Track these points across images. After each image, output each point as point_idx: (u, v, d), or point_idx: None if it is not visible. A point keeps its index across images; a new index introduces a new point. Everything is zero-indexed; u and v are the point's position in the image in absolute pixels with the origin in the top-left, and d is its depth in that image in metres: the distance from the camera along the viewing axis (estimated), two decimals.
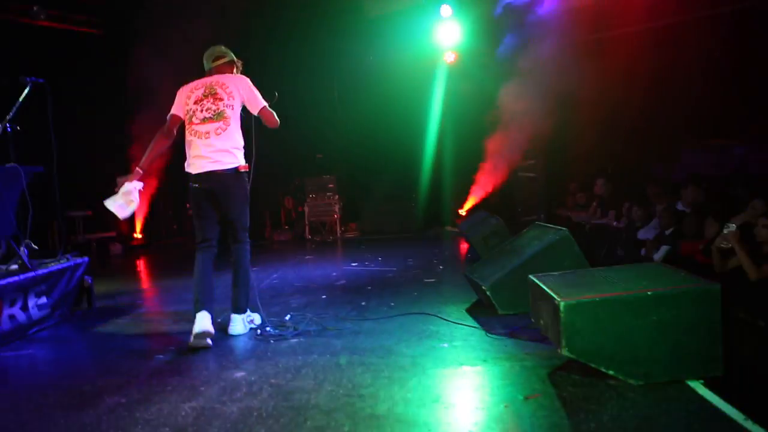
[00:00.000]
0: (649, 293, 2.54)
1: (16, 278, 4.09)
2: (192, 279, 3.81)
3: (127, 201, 3.66)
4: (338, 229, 9.76)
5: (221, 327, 3.89)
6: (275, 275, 6.21)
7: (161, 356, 3.46)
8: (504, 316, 3.86)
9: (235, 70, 4.03)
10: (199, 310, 3.61)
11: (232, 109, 3.76)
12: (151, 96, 8.98)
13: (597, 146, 8.37)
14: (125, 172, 3.88)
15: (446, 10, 9.04)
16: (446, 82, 9.67)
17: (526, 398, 2.51)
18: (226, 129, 3.72)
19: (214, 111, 3.73)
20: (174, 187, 10.16)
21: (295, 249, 8.59)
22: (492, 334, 3.49)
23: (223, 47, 4.08)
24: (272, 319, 4.10)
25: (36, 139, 4.87)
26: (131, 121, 9.17)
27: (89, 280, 4.89)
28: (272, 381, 2.91)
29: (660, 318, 2.52)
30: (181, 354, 3.48)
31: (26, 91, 4.60)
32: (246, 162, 3.83)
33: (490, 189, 9.35)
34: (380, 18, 9.52)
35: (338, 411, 2.50)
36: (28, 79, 4.52)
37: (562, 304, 2.54)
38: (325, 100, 10.16)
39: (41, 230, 5.68)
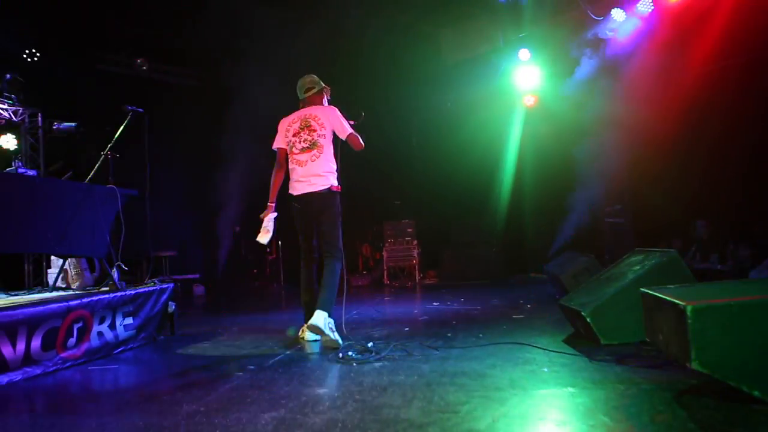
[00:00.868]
0: None
1: (106, 296, 4.16)
2: (300, 289, 4.42)
3: (264, 231, 4.35)
4: (417, 275, 9.53)
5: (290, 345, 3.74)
6: (354, 312, 6.05)
7: (241, 374, 3.33)
8: (607, 345, 3.47)
9: (324, 98, 4.52)
10: (312, 311, 4.01)
11: (324, 138, 4.26)
12: (235, 150, 9.44)
13: (691, 188, 7.81)
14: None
15: (525, 53, 8.97)
16: (525, 126, 9.49)
17: (653, 418, 2.15)
18: (320, 156, 4.23)
19: (310, 141, 4.26)
20: (253, 235, 10.42)
21: (373, 292, 8.41)
22: (597, 360, 3.12)
23: (312, 78, 4.54)
24: (354, 344, 3.92)
25: (135, 172, 5.17)
26: (218, 170, 9.60)
27: (173, 306, 4.92)
28: (357, 397, 2.69)
29: None
30: (261, 372, 3.34)
31: (127, 120, 4.88)
32: (339, 184, 4.27)
33: (573, 234, 8.88)
34: (459, 64, 9.60)
35: (433, 425, 2.24)
36: (129, 108, 4.79)
37: (689, 308, 2.20)
38: (404, 146, 10.21)
39: (132, 265, 5.84)
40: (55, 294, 4.34)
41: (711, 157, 7.53)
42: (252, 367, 3.50)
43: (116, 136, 4.96)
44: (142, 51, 9.23)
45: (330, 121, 4.27)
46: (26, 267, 6.33)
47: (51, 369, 3.61)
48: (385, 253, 9.63)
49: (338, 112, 4.32)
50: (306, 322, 4.19)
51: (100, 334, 4.07)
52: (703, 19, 7.08)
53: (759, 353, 2.16)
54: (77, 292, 4.50)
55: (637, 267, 3.80)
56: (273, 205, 4.40)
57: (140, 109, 4.98)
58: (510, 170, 9.78)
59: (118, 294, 4.27)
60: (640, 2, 7.26)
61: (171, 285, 4.97)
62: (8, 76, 6.75)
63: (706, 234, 7.16)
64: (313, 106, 4.39)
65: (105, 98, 7.66)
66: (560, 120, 8.89)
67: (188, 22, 7.82)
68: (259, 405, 2.64)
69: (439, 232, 9.95)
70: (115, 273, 4.53)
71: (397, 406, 2.51)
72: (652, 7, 7.24)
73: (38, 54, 7.83)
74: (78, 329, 3.87)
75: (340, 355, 3.64)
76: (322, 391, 2.86)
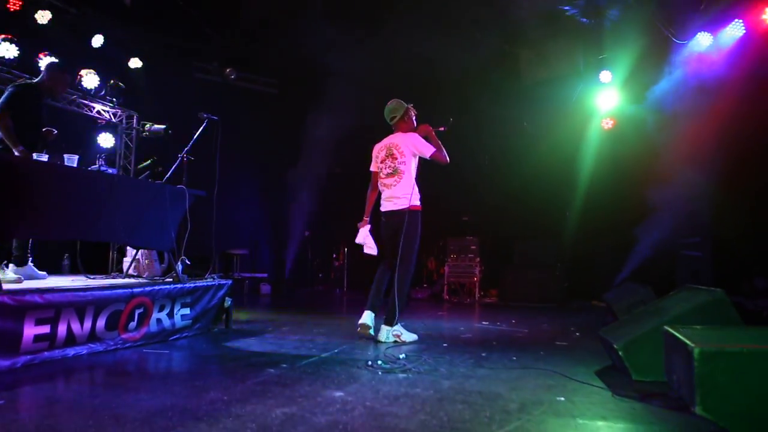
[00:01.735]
0: None
1: (167, 287, 4.54)
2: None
3: (365, 245, 5.03)
4: (477, 292, 9.48)
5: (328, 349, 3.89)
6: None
7: (272, 370, 3.54)
8: (639, 382, 3.37)
9: (410, 118, 5.07)
10: (366, 309, 4.84)
11: (404, 164, 4.89)
12: (311, 158, 9.85)
13: None
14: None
15: (606, 75, 8.74)
16: (601, 149, 9.21)
17: None
18: (400, 180, 4.89)
19: (392, 168, 4.94)
20: (321, 240, 10.80)
21: (430, 306, 8.47)
22: (619, 395, 3.05)
23: (394, 104, 5.10)
24: (387, 355, 4.05)
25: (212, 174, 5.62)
26: (292, 177, 10.07)
27: (230, 301, 5.25)
28: (367, 404, 2.81)
29: None
30: (290, 371, 3.53)
31: (203, 126, 5.29)
32: (419, 204, 4.86)
33: (643, 264, 8.48)
34: (538, 84, 9.49)
35: None
36: (204, 115, 5.21)
37: (696, 350, 2.14)
38: (476, 163, 10.20)
39: (200, 260, 6.30)
40: (124, 281, 4.78)
41: None
42: (285, 365, 3.71)
43: (192, 141, 5.40)
44: (231, 61, 9.88)
45: (410, 148, 4.90)
46: (111, 254, 6.98)
47: (112, 347, 4.01)
48: (446, 269, 9.66)
49: (418, 137, 4.92)
50: (363, 312, 4.88)
51: (158, 320, 4.45)
52: None
53: (767, 404, 2.06)
54: (143, 280, 4.93)
55: (683, 303, 3.65)
56: (367, 219, 5.09)
57: (215, 117, 5.38)
58: (582, 193, 9.51)
59: (178, 286, 4.65)
60: (730, 25, 6.88)
61: (228, 281, 5.31)
62: (111, 81, 7.49)
63: None
64: (397, 134, 5.03)
65: (195, 103, 8.32)
66: (638, 144, 8.56)
67: (272, 35, 8.30)
68: (277, 400, 2.83)
69: (504, 250, 9.83)
70: (179, 266, 4.92)
71: (401, 416, 2.60)
72: (744, 31, 6.84)
73: (141, 62, 8.62)
74: (139, 314, 4.27)
75: (369, 363, 3.78)
76: (338, 394, 3.00)
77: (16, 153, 4.39)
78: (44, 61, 6.49)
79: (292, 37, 8.33)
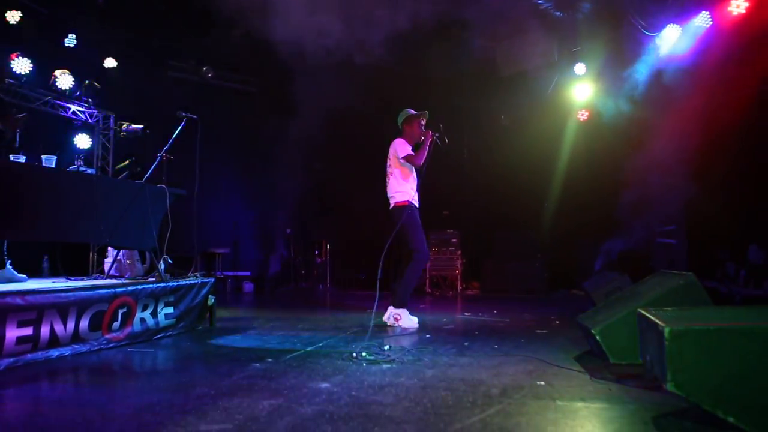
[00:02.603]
0: None
1: (150, 286, 4.54)
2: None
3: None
4: (459, 285, 9.59)
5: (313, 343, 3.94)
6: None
7: (258, 365, 3.58)
8: (616, 365, 3.48)
9: (413, 126, 5.59)
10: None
11: (391, 167, 5.52)
12: (290, 155, 9.85)
13: (749, 210, 7.47)
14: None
15: (580, 68, 8.88)
16: (577, 140, 9.37)
17: None
18: (390, 180, 5.51)
19: (387, 168, 5.58)
20: (303, 237, 10.82)
21: (413, 300, 8.50)
22: (597, 378, 3.16)
23: (402, 112, 5.70)
24: (371, 347, 4.11)
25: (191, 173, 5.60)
26: (274, 175, 10.05)
27: (213, 300, 5.26)
28: (353, 393, 2.87)
29: None
30: (276, 365, 3.57)
31: (181, 125, 5.29)
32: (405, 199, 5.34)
33: (621, 253, 8.67)
34: (513, 77, 9.60)
35: (409, 423, 2.38)
36: (183, 114, 5.20)
37: (666, 330, 2.23)
38: (454, 157, 10.27)
39: (182, 259, 6.29)
40: (106, 281, 4.77)
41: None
42: (270, 359, 3.74)
43: (171, 140, 5.38)
44: (208, 59, 9.82)
45: (393, 151, 5.49)
46: (91, 255, 6.92)
47: (96, 348, 4.00)
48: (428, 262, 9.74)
49: (400, 143, 5.46)
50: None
51: (142, 320, 4.45)
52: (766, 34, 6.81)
53: (734, 379, 2.16)
54: (126, 280, 4.92)
55: (657, 287, 3.78)
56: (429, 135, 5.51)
57: (193, 116, 5.38)
58: (560, 184, 9.67)
59: (161, 285, 4.65)
60: (698, 17, 7.05)
61: (212, 280, 5.32)
62: (86, 81, 7.40)
63: (759, 259, 6.86)
64: (395, 139, 5.54)
65: (172, 103, 8.27)
66: (614, 135, 8.73)
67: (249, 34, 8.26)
68: (263, 393, 2.87)
69: (485, 243, 9.96)
70: (161, 265, 4.92)
71: (386, 404, 2.67)
72: (711, 22, 7.02)
73: (116, 61, 8.53)
74: (122, 314, 4.26)
75: (354, 354, 3.84)
76: (324, 385, 3.05)
77: None
78: (17, 62, 6.39)
79: (270, 34, 8.29)
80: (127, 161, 7.66)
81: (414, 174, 5.54)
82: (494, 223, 9.93)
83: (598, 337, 3.53)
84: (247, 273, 9.84)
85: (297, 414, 2.51)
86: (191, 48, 9.57)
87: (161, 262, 4.94)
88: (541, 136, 9.51)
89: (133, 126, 6.58)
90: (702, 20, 7.04)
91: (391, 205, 5.45)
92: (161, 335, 4.62)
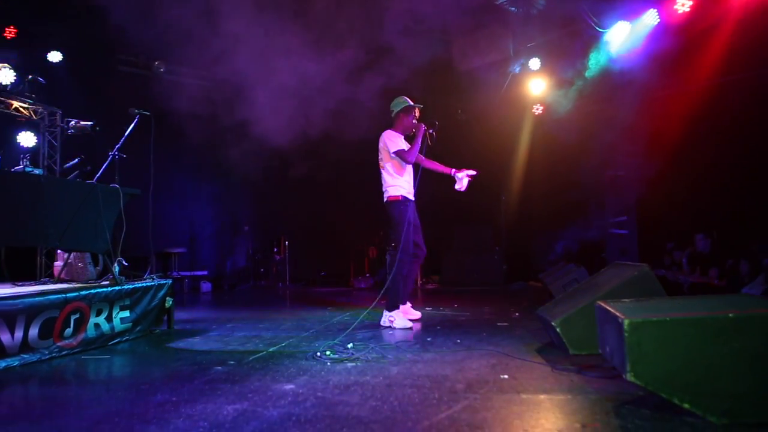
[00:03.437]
0: (730, 315, 2.24)
1: (104, 290, 4.38)
2: None
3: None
4: (419, 279, 9.65)
5: (275, 343, 3.89)
6: (348, 314, 6.22)
7: (220, 368, 3.51)
8: (576, 356, 3.57)
9: (405, 118, 5.33)
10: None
11: (382, 160, 5.25)
12: (247, 152, 9.66)
13: (695, 201, 7.80)
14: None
15: (534, 63, 9.04)
16: (534, 134, 9.54)
17: (584, 426, 2.26)
18: (382, 173, 5.26)
19: (379, 162, 5.30)
20: (262, 234, 10.67)
21: (374, 295, 8.54)
22: (558, 369, 3.23)
23: (393, 102, 5.42)
24: (334, 346, 4.09)
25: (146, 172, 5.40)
26: (231, 172, 9.84)
27: (171, 302, 5.13)
28: (319, 394, 2.84)
29: (745, 345, 2.21)
30: (238, 367, 3.51)
31: (134, 122, 5.11)
32: (398, 194, 5.14)
33: (578, 244, 8.91)
34: (470, 72, 9.68)
35: (377, 423, 2.38)
36: (135, 110, 5.03)
37: (626, 322, 2.30)
38: None
39: (138, 261, 6.10)
40: (56, 286, 4.58)
41: (716, 171, 7.53)
42: (232, 362, 3.68)
43: (123, 137, 5.20)
44: (160, 53, 9.52)
45: (382, 144, 5.22)
46: (39, 259, 6.63)
47: (47, 357, 3.84)
48: (388, 257, 9.75)
49: (390, 135, 5.20)
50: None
51: (96, 325, 4.29)
52: (709, 32, 7.09)
53: (690, 367, 2.25)
54: (77, 284, 4.73)
55: (614, 279, 3.88)
56: (452, 169, 5.58)
57: (146, 112, 5.21)
58: (517, 177, 9.83)
59: (116, 288, 4.50)
60: (646, 14, 7.27)
61: (169, 281, 5.18)
62: (30, 76, 7.07)
63: (706, 248, 7.15)
64: (384, 131, 5.28)
65: (124, 98, 7.98)
66: (568, 130, 8.93)
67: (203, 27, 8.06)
68: (227, 397, 2.81)
69: (444, 237, 10.04)
70: (115, 268, 4.75)
71: (352, 404, 2.65)
72: (658, 20, 7.25)
73: (63, 55, 8.17)
74: (75, 320, 4.10)
75: (318, 354, 3.81)
76: (289, 387, 3.01)
77: None
78: None
79: (222, 29, 8.10)
80: (76, 160, 7.38)
81: (409, 166, 5.31)
82: (453, 218, 10.02)
83: (558, 329, 3.61)
84: (205, 272, 9.64)
85: (263, 418, 2.47)
86: (141, 41, 9.25)
87: (115, 264, 4.77)
88: (498, 130, 9.65)
89: (82, 123, 6.32)
90: (650, 18, 7.26)
91: (384, 199, 5.24)
92: (117, 340, 4.47)
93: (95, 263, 5.27)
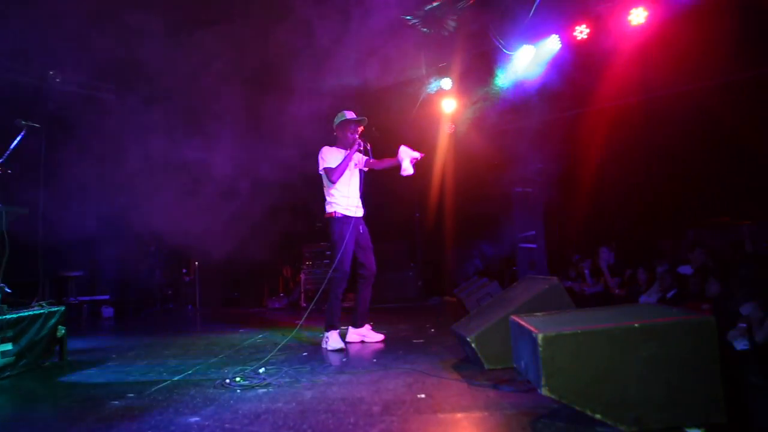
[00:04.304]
0: (636, 325, 2.31)
1: None
2: None
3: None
4: None
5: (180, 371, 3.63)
6: (261, 336, 5.98)
7: (116, 402, 3.21)
8: (491, 371, 3.58)
9: (343, 132, 5.24)
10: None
11: (322, 176, 5.12)
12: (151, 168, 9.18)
13: (599, 218, 8.25)
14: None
15: (446, 83, 9.25)
16: (447, 153, 9.74)
17: None
18: (324, 190, 5.15)
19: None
20: (169, 254, 10.12)
21: (289, 316, 8.30)
22: (474, 385, 3.22)
23: (337, 116, 5.34)
24: (245, 371, 3.87)
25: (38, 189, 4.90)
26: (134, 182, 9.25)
27: (63, 330, 4.68)
28: (227, 425, 2.65)
29: (650, 353, 2.28)
30: (138, 400, 3.23)
31: (20, 135, 4.66)
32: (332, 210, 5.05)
33: (490, 259, 9.16)
34: (384, 90, 9.74)
35: None
36: (23, 122, 4.58)
37: (540, 336, 2.31)
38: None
39: (26, 287, 5.54)
40: None
41: (616, 188, 8.02)
42: (131, 395, 3.37)
43: (8, 151, 4.72)
44: (58, 64, 8.83)
45: (318, 159, 5.05)
46: None
47: None
48: (302, 276, 9.56)
49: (324, 152, 5.04)
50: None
51: None
52: (606, 58, 7.56)
53: (600, 378, 2.29)
54: None
55: (525, 293, 3.96)
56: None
57: (36, 124, 4.77)
58: (432, 194, 9.97)
59: None
60: (549, 39, 7.66)
61: (61, 308, 4.73)
62: None
63: (611, 259, 7.54)
64: (322, 147, 5.14)
65: (13, 110, 7.30)
66: (479, 149, 9.19)
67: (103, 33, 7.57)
68: None
69: None
70: None
71: None
72: (560, 45, 7.65)
73: None
74: None
75: (227, 381, 3.58)
76: (193, 419, 2.79)
77: None
78: None
79: (127, 34, 7.64)
80: None
81: (350, 181, 5.14)
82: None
83: (473, 345, 3.61)
84: (107, 297, 8.95)
85: None
86: (35, 49, 8.56)
87: None
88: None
89: None
90: (552, 43, 7.65)
91: (326, 215, 5.12)
92: None
93: None
